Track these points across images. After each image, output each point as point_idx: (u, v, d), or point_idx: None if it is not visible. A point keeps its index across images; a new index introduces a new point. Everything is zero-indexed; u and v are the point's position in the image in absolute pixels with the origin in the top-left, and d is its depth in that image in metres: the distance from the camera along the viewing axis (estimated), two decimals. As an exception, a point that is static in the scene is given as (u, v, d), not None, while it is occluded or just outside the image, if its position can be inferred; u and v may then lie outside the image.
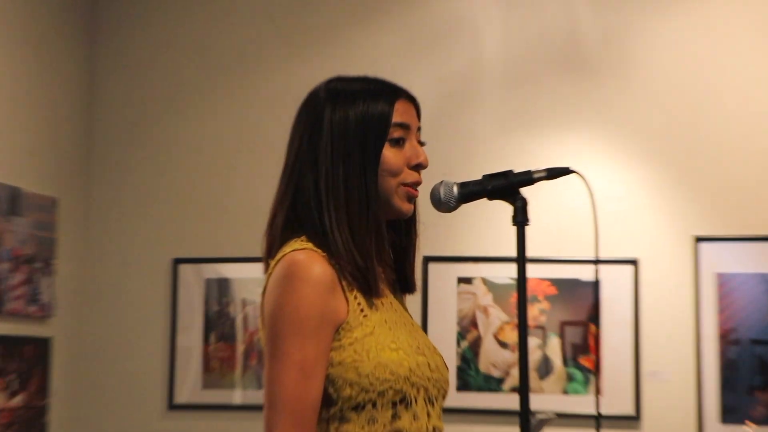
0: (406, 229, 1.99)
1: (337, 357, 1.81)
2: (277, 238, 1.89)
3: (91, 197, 4.73)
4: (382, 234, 1.90)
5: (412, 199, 1.92)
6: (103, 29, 4.80)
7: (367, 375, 1.80)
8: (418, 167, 1.92)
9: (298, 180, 1.89)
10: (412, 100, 1.96)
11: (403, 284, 2.01)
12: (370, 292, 1.85)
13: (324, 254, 1.82)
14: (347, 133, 1.87)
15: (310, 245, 1.83)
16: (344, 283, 1.83)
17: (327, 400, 1.80)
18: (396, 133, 1.90)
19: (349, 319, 1.82)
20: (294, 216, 1.89)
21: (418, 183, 1.92)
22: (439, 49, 4.49)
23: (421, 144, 1.95)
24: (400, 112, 1.91)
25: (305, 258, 1.80)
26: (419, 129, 1.96)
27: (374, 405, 1.80)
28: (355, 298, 1.84)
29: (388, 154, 1.89)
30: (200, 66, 4.71)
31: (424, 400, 1.85)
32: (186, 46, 4.73)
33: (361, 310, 1.84)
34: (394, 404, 1.81)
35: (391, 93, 1.92)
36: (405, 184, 1.90)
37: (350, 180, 1.86)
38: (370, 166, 1.87)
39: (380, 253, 1.90)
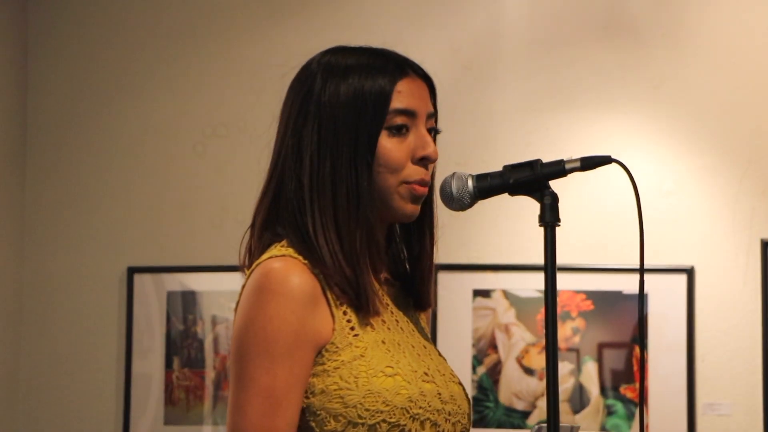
0: (418, 233, 1.99)
1: (319, 384, 1.82)
2: (256, 242, 1.91)
3: (25, 197, 4.72)
4: (376, 241, 1.90)
5: (417, 199, 1.92)
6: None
7: (355, 406, 1.81)
8: (425, 161, 1.91)
9: (281, 173, 1.90)
10: (424, 79, 1.95)
11: (415, 299, 2.02)
12: (361, 308, 1.86)
13: (306, 262, 1.84)
14: (337, 117, 1.88)
15: (290, 251, 1.85)
16: (330, 296, 1.84)
17: (306, 437, 1.81)
18: (397, 121, 1.89)
19: (335, 339, 1.83)
20: (276, 217, 1.90)
21: (426, 180, 1.92)
22: (451, 10, 4.50)
23: (435, 133, 1.94)
24: (404, 94, 1.90)
25: (281, 267, 1.82)
26: (432, 115, 1.95)
27: (364, 443, 1.81)
28: (345, 314, 1.85)
29: (387, 144, 1.89)
30: (156, 33, 4.71)
31: (433, 438, 1.85)
32: (137, 8, 4.72)
33: (351, 329, 1.85)
34: (389, 441, 1.82)
35: (395, 68, 1.91)
36: (408, 182, 1.90)
37: (338, 175, 1.87)
38: (362, 159, 1.87)
39: (374, 262, 1.91)
